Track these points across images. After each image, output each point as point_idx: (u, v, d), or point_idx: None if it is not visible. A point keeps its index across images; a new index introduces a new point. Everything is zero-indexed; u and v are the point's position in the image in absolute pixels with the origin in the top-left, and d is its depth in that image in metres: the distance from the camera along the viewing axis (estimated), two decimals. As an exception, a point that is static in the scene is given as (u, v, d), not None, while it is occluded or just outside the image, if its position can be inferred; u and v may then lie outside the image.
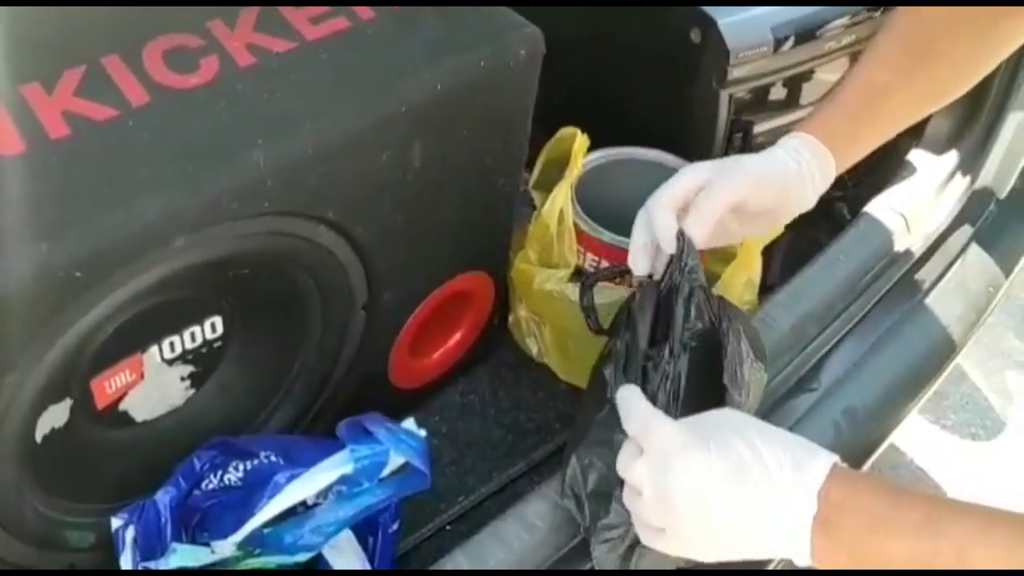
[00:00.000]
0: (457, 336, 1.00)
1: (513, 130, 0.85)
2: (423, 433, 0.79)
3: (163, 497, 0.74)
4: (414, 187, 0.77)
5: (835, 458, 0.59)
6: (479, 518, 0.92)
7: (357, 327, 0.85)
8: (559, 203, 0.96)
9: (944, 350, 1.06)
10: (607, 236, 0.97)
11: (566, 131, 1.03)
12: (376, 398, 0.94)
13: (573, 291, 0.93)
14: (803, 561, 0.59)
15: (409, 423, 0.78)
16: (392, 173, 0.75)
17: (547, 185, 1.00)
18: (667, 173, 1.05)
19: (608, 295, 0.95)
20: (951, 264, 1.12)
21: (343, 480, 0.73)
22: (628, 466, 0.65)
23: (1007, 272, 1.16)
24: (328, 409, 0.88)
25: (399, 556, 0.87)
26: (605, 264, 0.97)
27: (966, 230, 1.15)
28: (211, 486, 0.74)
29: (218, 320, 0.78)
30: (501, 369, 1.06)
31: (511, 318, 1.06)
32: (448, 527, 0.92)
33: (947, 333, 1.06)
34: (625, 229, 0.98)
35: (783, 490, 0.58)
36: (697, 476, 0.61)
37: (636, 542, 0.70)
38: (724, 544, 0.62)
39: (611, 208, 1.02)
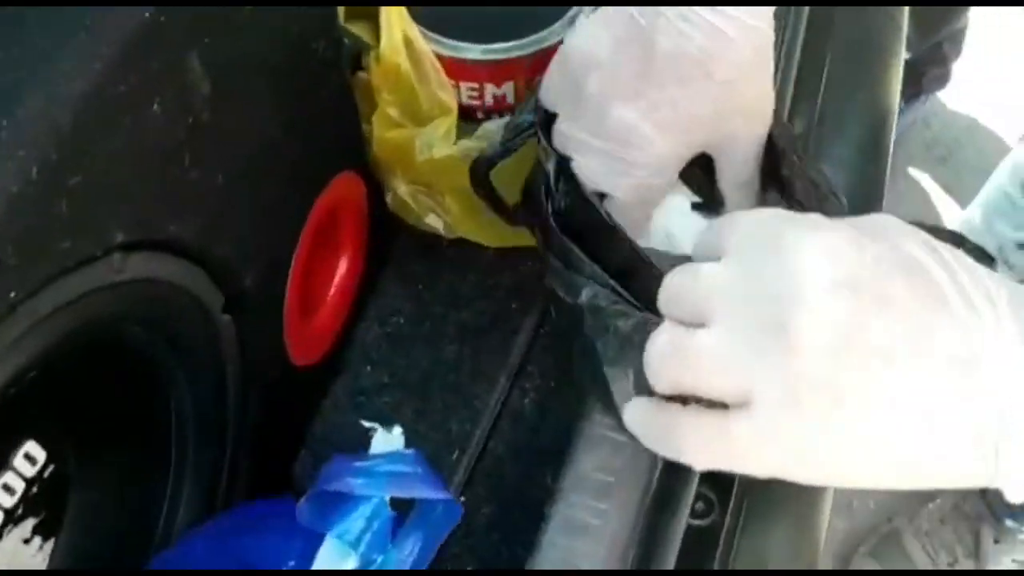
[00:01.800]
0: (344, 263, 0.73)
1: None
2: (399, 441, 0.55)
3: None
4: (216, 122, 0.47)
5: None
6: (490, 469, 0.71)
7: (230, 339, 0.57)
8: (398, 28, 0.67)
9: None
10: (477, 51, 0.70)
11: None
12: (291, 398, 0.68)
13: (476, 146, 0.67)
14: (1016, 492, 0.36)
15: (379, 440, 0.54)
16: (178, 120, 0.45)
17: (365, 10, 0.70)
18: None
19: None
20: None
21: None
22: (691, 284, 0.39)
23: None
24: (240, 457, 0.61)
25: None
26: (493, 90, 0.70)
27: None
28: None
29: (33, 446, 0.50)
30: (410, 268, 0.80)
31: (389, 199, 0.79)
32: (462, 498, 0.69)
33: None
34: (498, 30, 0.71)
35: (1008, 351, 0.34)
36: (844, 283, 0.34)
37: None
38: (884, 442, 0.35)
39: (468, 9, 0.74)
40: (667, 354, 0.38)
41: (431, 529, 0.51)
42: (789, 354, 0.34)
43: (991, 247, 1.05)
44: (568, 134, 0.51)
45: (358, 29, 0.74)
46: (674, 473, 0.56)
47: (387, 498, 0.49)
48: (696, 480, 0.56)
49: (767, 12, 0.48)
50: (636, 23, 0.47)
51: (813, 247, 0.35)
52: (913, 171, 1.46)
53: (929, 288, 0.35)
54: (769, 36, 0.48)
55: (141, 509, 0.58)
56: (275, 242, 0.59)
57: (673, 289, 0.40)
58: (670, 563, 0.53)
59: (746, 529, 0.58)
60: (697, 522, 0.56)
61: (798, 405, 0.34)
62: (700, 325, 0.37)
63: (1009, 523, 1.08)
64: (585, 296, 0.49)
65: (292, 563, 0.48)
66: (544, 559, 0.52)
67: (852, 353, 0.33)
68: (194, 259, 0.50)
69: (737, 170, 0.51)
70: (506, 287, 0.79)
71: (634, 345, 0.50)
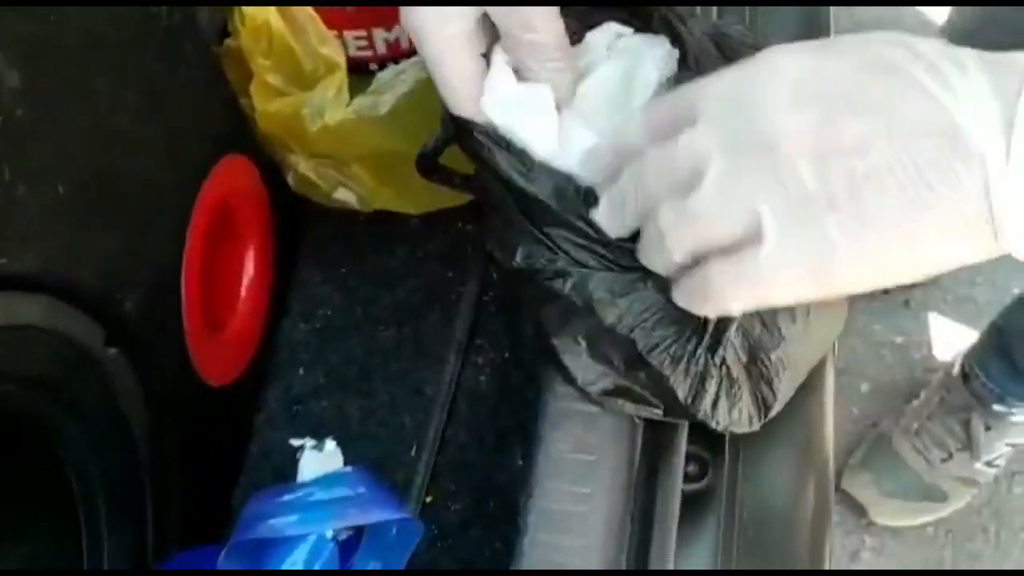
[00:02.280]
0: (251, 261, 0.65)
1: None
2: (336, 458, 0.47)
3: None
4: (37, 120, 0.38)
5: None
6: (453, 460, 0.63)
7: (122, 374, 0.49)
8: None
9: None
10: (357, -7, 0.61)
11: None
12: (214, 424, 0.60)
13: (373, 101, 0.59)
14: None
15: (308, 461, 0.46)
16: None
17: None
18: None
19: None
20: None
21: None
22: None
23: None
24: (165, 502, 0.53)
25: None
26: (384, 35, 0.61)
27: None
28: None
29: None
30: (328, 252, 0.72)
31: (290, 179, 0.70)
32: (427, 499, 0.62)
33: None
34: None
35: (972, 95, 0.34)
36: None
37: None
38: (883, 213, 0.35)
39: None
40: (672, 223, 0.38)
41: (389, 553, 0.43)
42: (777, 174, 0.35)
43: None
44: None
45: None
46: (659, 438, 0.50)
47: (328, 533, 0.41)
48: (684, 441, 0.49)
49: None
50: None
51: (774, 75, 0.36)
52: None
53: (899, 79, 0.35)
54: None
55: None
56: (154, 252, 0.50)
57: (656, 163, 0.39)
58: (671, 542, 0.47)
59: (747, 477, 0.51)
60: (693, 486, 0.50)
61: (799, 218, 0.35)
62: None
63: (998, 407, 1.05)
64: (520, 257, 0.42)
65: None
66: (527, 563, 0.45)
67: (831, 155, 0.34)
68: (53, 292, 0.41)
69: None
70: (438, 255, 0.71)
71: (577, 311, 0.43)
